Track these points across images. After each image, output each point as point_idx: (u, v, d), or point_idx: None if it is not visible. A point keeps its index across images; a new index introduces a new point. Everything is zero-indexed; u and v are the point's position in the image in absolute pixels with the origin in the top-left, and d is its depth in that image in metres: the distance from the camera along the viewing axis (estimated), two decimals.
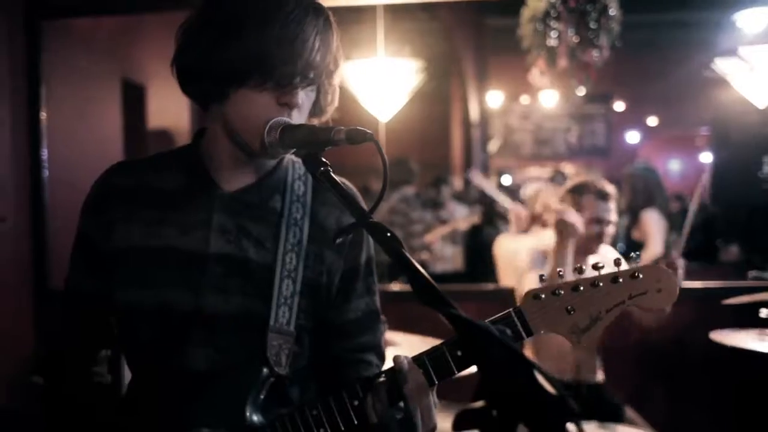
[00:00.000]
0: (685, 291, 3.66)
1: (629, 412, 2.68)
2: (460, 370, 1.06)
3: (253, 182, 1.22)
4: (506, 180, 8.32)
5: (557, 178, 6.08)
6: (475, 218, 5.87)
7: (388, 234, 0.95)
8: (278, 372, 1.16)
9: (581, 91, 3.92)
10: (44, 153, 3.24)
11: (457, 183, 7.46)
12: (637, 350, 2.94)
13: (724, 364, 2.89)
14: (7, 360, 3.11)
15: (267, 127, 1.10)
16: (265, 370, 1.14)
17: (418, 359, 1.07)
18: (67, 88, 3.48)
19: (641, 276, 1.02)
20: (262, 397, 1.15)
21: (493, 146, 8.75)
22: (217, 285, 1.17)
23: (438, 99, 8.17)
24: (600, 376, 2.86)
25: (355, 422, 1.08)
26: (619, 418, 2.60)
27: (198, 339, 1.16)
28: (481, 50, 7.43)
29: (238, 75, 1.11)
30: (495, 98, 8.52)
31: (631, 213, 4.45)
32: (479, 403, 0.73)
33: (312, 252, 1.21)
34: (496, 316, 1.06)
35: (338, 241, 1.15)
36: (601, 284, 1.03)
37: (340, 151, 1.10)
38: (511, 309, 1.05)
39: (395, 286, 3.63)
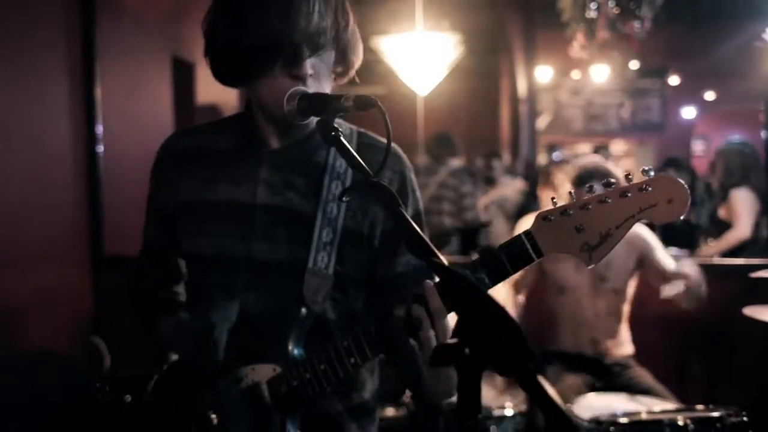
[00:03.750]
0: (721, 267, 3.59)
1: (658, 387, 2.69)
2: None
3: (299, 140, 1.32)
4: (557, 156, 8.24)
5: (601, 153, 5.97)
6: (521, 185, 5.82)
7: (388, 193, 1.03)
8: (314, 309, 1.27)
9: (634, 65, 3.83)
10: (99, 128, 3.41)
11: (506, 158, 7.44)
12: (671, 325, 2.92)
13: (759, 339, 2.86)
14: (68, 322, 3.32)
15: (286, 97, 1.19)
16: (303, 309, 1.26)
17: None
18: (120, 65, 3.64)
19: (650, 188, 0.99)
20: (303, 333, 1.26)
21: (542, 122, 8.65)
22: (264, 234, 1.29)
23: (486, 74, 8.12)
24: (629, 349, 2.86)
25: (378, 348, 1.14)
26: (648, 392, 2.61)
27: (249, 284, 1.29)
28: (529, 24, 7.31)
29: (251, 70, 1.21)
30: (544, 73, 8.39)
31: (723, 190, 4.30)
32: (454, 340, 0.80)
33: (354, 203, 1.30)
34: (508, 240, 1.09)
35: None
36: (609, 200, 1.01)
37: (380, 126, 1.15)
38: (521, 233, 1.07)
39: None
